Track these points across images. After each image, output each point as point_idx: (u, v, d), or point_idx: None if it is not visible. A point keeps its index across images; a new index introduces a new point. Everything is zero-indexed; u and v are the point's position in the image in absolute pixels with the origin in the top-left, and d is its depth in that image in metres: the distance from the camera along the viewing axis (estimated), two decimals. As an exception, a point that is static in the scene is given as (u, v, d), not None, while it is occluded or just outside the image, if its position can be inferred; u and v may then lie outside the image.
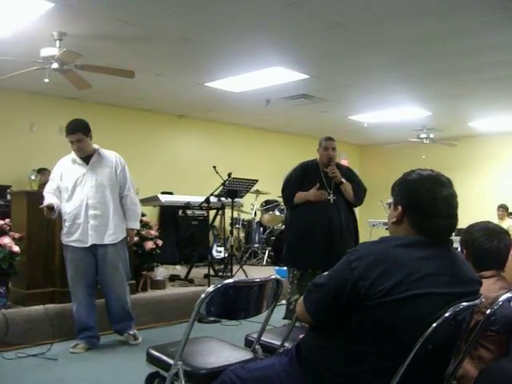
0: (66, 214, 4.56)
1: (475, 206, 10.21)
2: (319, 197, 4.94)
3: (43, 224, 4.75)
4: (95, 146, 4.68)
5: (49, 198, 4.51)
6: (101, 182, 4.57)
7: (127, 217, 4.73)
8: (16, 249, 4.75)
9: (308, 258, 4.90)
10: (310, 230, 4.92)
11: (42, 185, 5.42)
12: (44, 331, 4.77)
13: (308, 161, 5.26)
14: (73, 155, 4.65)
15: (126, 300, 4.78)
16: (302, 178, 5.11)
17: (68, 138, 4.54)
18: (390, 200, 2.02)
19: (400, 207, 1.93)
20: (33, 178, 5.38)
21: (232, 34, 5.64)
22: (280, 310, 5.00)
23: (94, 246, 4.55)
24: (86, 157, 4.61)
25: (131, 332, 4.82)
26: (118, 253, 4.64)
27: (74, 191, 4.54)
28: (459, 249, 2.68)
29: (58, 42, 5.61)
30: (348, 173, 5.19)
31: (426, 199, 1.88)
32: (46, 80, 5.94)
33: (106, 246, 4.57)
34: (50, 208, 4.42)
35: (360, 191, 5.12)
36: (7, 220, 5.02)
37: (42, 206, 4.43)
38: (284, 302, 5.27)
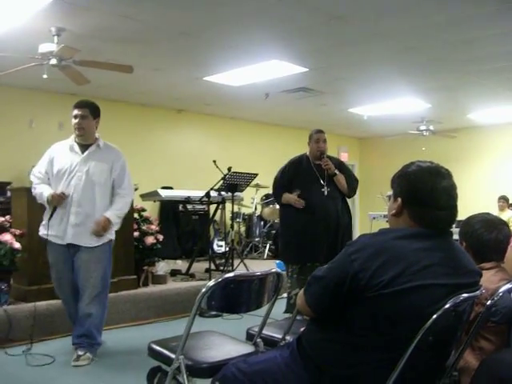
0: (50, 206, 4.11)
1: (475, 198, 10.21)
2: (297, 204, 5.00)
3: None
4: (97, 135, 4.29)
5: (44, 188, 4.10)
6: (91, 177, 4.11)
7: (110, 207, 4.18)
8: (17, 245, 4.75)
9: (306, 253, 4.91)
10: (306, 224, 4.95)
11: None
12: (46, 327, 4.78)
13: (297, 156, 5.28)
14: (70, 141, 4.23)
15: (96, 317, 4.19)
16: (292, 176, 5.12)
17: (74, 111, 4.16)
18: (390, 192, 2.03)
19: (400, 199, 1.93)
20: (32, 174, 5.35)
21: (230, 27, 5.63)
22: (281, 304, 5.01)
23: (71, 245, 4.12)
24: (85, 145, 4.20)
25: (80, 352, 4.12)
26: (96, 259, 4.13)
27: (61, 180, 4.10)
28: (459, 241, 2.68)
29: (56, 37, 5.59)
30: (339, 165, 5.20)
31: (425, 191, 1.88)
32: (45, 76, 5.93)
33: (85, 248, 4.11)
34: (63, 196, 4.02)
35: (353, 182, 5.14)
36: (8, 217, 5.02)
37: (54, 193, 4.00)
38: (285, 295, 5.28)
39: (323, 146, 5.06)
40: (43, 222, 4.20)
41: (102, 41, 6.03)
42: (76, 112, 4.17)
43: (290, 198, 5.04)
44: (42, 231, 4.21)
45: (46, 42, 5.59)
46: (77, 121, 4.15)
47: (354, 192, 5.15)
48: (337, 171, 5.02)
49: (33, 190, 4.22)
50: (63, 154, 4.20)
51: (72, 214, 4.09)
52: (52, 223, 4.11)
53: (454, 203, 1.91)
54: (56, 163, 4.17)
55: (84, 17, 5.32)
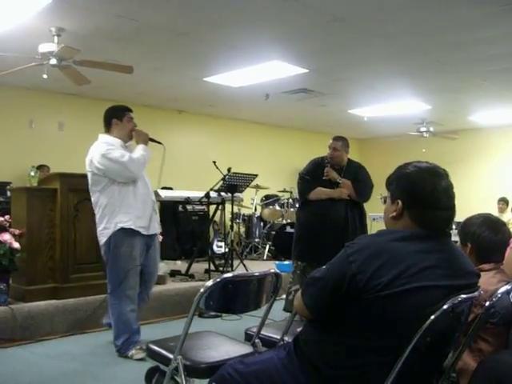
0: (138, 197, 4.41)
1: (475, 199, 10.20)
2: (343, 194, 5.02)
3: (43, 219, 4.91)
4: None
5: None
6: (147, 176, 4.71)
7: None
8: (16, 245, 4.76)
9: (315, 252, 4.93)
10: (315, 225, 5.00)
11: (42, 181, 5.41)
12: (45, 327, 4.79)
13: (318, 157, 5.29)
14: (118, 142, 4.50)
15: None
16: (312, 173, 5.16)
17: (131, 113, 4.73)
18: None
19: (399, 201, 1.91)
20: (32, 174, 5.35)
21: (230, 28, 5.63)
22: (280, 305, 5.02)
23: (147, 236, 4.47)
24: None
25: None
26: None
27: (141, 179, 4.59)
28: (458, 242, 2.67)
29: (56, 37, 5.60)
30: (356, 170, 5.22)
31: (426, 192, 1.87)
32: (45, 76, 5.93)
33: (155, 236, 4.65)
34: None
35: (362, 188, 5.12)
36: (7, 216, 5.02)
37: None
38: (284, 296, 5.28)
39: (331, 153, 5.10)
40: (131, 215, 4.32)
41: (102, 41, 6.03)
42: (133, 115, 4.70)
43: (334, 191, 5.06)
44: (133, 224, 4.31)
45: (46, 42, 5.59)
46: (134, 123, 4.72)
47: (363, 197, 5.15)
48: (340, 179, 5.04)
49: (133, 162, 4.50)
50: None
51: (154, 210, 4.58)
52: (140, 215, 4.38)
53: (452, 203, 1.91)
54: None
55: (84, 17, 5.32)
